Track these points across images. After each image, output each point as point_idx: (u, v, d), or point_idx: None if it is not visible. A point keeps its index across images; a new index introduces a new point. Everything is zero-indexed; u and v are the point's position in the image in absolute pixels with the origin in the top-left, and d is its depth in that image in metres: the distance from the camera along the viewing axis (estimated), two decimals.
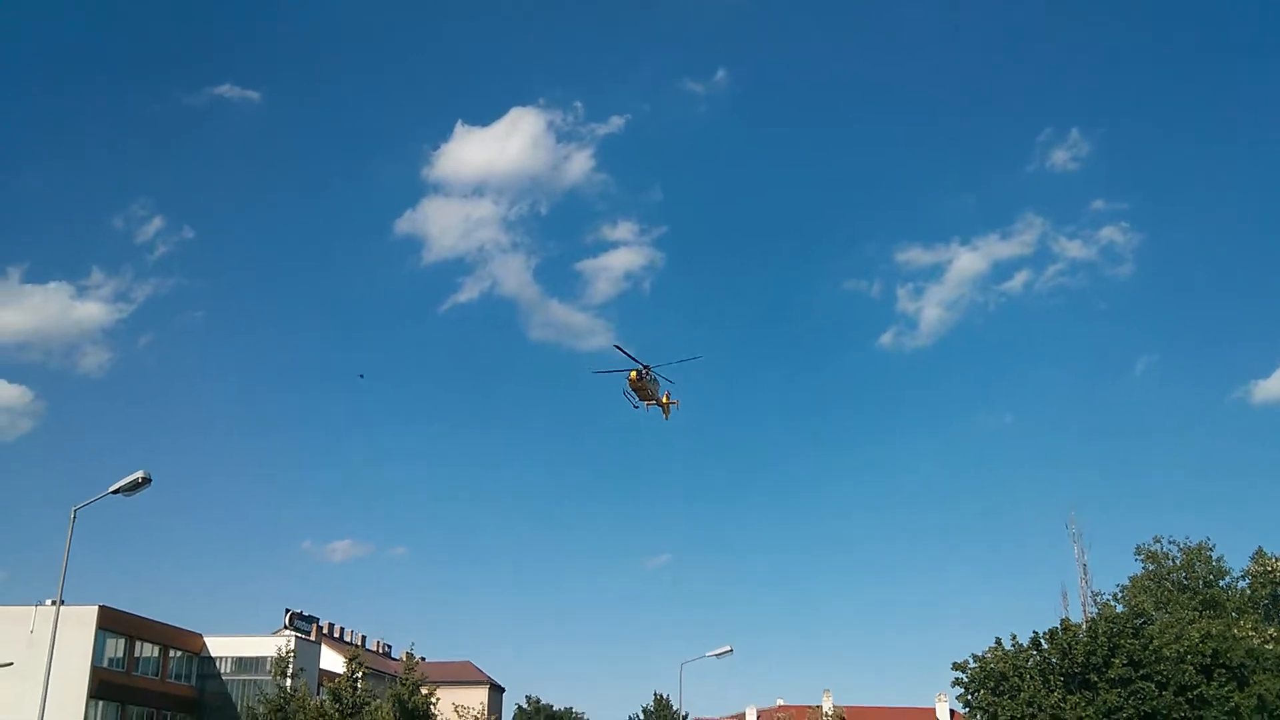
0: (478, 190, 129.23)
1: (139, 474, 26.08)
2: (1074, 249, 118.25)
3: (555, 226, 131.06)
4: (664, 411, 50.39)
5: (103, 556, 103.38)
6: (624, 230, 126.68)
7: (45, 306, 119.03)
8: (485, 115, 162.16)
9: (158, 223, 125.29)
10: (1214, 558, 53.07)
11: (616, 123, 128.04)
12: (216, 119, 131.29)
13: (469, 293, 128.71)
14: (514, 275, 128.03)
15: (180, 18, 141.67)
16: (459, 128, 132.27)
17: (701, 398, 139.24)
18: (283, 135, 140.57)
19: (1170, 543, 54.24)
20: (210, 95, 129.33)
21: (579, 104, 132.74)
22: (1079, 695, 43.25)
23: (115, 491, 26.16)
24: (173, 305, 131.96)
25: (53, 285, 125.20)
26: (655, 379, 48.39)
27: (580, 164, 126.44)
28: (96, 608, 54.28)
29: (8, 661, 45.81)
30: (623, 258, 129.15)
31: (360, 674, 50.65)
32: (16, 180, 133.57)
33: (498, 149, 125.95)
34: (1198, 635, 44.17)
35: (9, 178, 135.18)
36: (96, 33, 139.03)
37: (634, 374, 46.99)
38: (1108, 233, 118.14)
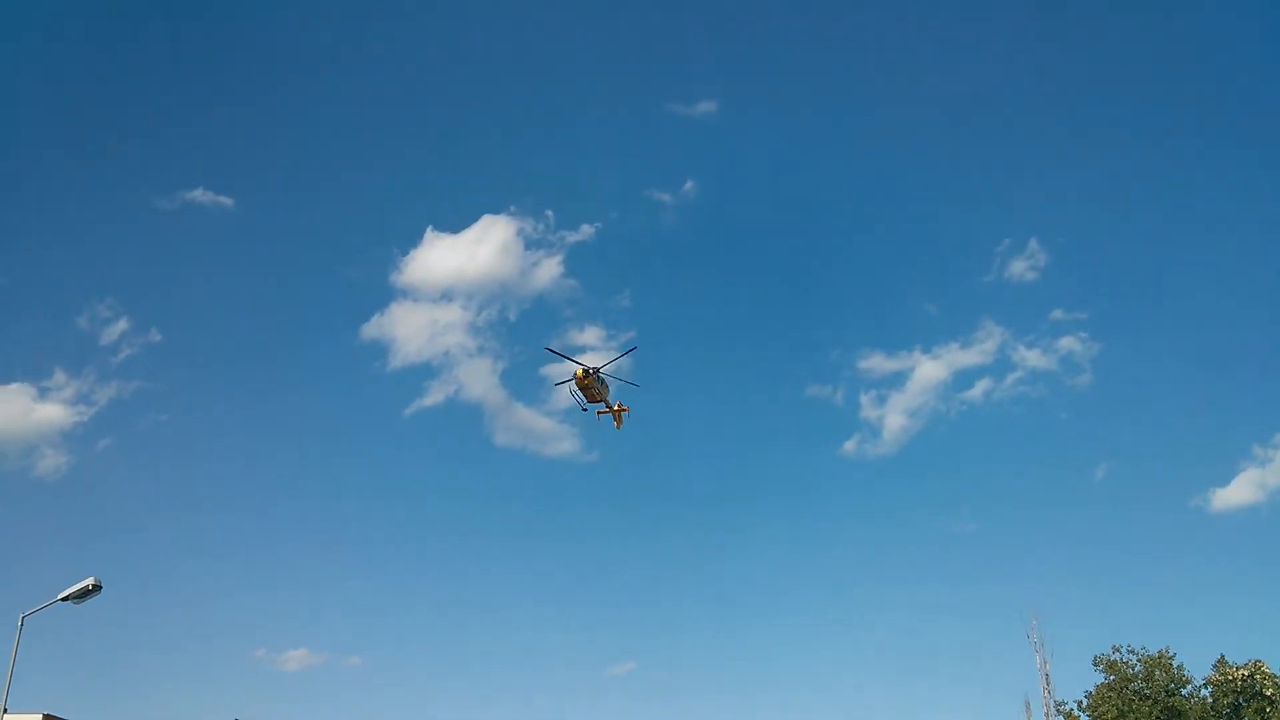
0: (446, 295, 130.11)
1: (89, 581, 25.81)
2: (1033, 358, 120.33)
3: (523, 331, 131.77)
4: (615, 420, 49.96)
5: (49, 663, 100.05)
6: (591, 335, 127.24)
7: (5, 408, 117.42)
8: (456, 222, 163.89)
9: (123, 324, 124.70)
10: (1174, 666, 53.17)
11: (586, 230, 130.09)
12: (188, 223, 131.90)
13: (434, 397, 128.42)
14: (480, 380, 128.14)
15: (156, 122, 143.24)
16: (429, 234, 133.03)
17: (661, 505, 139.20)
18: (254, 240, 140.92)
19: (1130, 652, 54.20)
20: (183, 200, 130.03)
21: (549, 212, 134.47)
22: None
23: (65, 599, 25.83)
24: (135, 408, 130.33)
25: (14, 386, 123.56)
26: (604, 381, 48.22)
27: (549, 270, 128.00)
28: (40, 716, 52.71)
29: None
30: (589, 362, 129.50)
31: None
32: None
33: (467, 255, 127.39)
34: None
35: None
36: (68, 133, 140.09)
37: (580, 371, 47.15)
38: (1066, 342, 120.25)
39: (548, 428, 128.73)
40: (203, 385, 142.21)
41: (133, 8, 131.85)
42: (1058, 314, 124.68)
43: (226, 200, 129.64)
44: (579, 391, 48.03)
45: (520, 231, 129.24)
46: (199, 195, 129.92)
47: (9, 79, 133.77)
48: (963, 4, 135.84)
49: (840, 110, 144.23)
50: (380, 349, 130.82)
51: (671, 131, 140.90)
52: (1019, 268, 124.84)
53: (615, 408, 50.08)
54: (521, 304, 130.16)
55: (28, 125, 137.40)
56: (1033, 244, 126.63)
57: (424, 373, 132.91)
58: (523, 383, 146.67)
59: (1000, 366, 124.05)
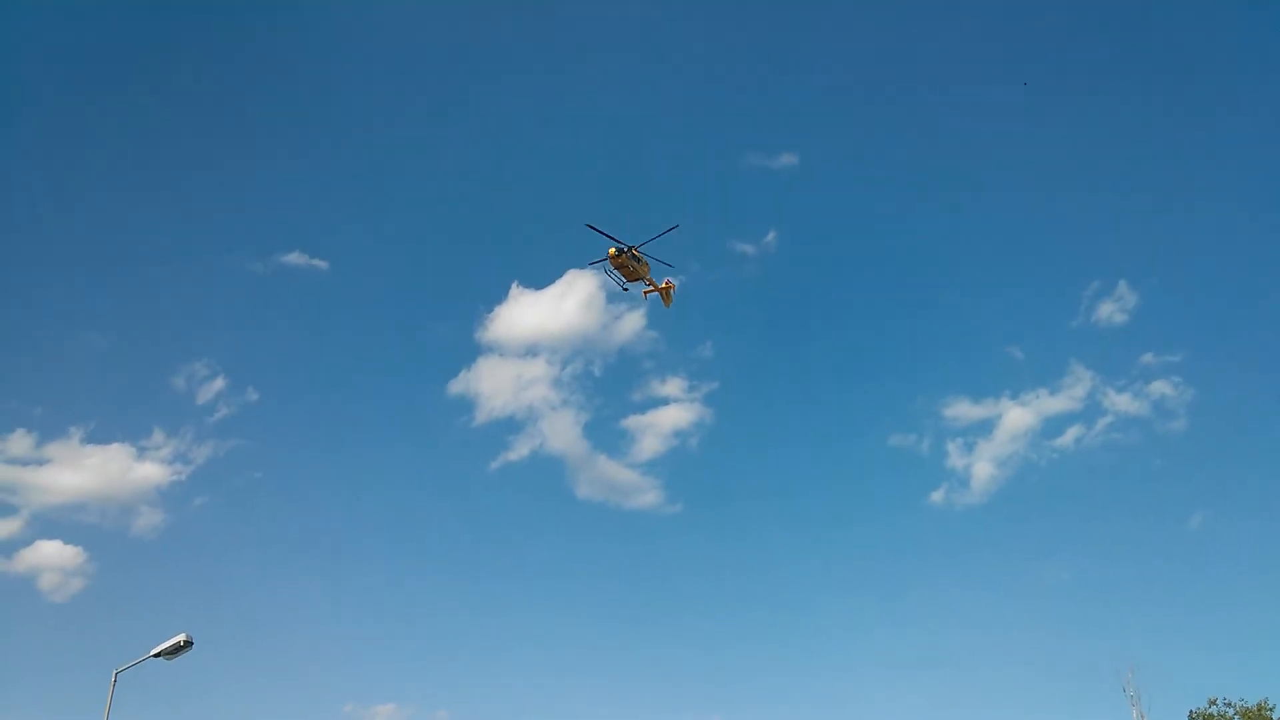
0: (531, 350, 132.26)
1: (181, 637, 26.82)
2: (1124, 403, 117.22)
3: (605, 384, 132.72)
4: (664, 298, 48.38)
5: (142, 718, 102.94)
6: (673, 387, 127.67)
7: (105, 467, 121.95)
8: (541, 278, 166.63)
9: (219, 384, 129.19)
10: (1275, 717, 51.09)
11: (669, 282, 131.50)
12: (283, 285, 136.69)
13: (519, 451, 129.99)
14: (563, 433, 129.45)
15: (251, 187, 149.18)
16: (514, 290, 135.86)
17: (745, 557, 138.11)
18: (346, 301, 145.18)
19: (1226, 704, 52.36)
20: (278, 263, 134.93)
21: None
22: None
23: (157, 655, 26.86)
24: (231, 466, 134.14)
25: (114, 446, 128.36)
26: (641, 259, 46.57)
27: (632, 323, 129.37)
28: None
29: None
30: (672, 414, 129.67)
31: None
32: (81, 339, 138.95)
33: (551, 310, 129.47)
34: None
35: (74, 337, 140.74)
36: (166, 199, 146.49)
37: (612, 250, 45.22)
38: (1159, 386, 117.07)
39: (630, 480, 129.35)
40: (296, 443, 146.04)
41: (225, 77, 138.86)
42: (1149, 357, 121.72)
43: (321, 263, 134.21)
44: (616, 271, 46.65)
45: (603, 285, 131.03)
46: (294, 258, 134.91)
47: (106, 145, 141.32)
48: (1038, 57, 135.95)
49: (919, 159, 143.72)
50: (466, 404, 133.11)
51: (753, 183, 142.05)
52: (1108, 310, 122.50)
53: (663, 285, 48.83)
54: (605, 357, 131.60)
55: (126, 191, 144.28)
56: (1122, 286, 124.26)
57: (509, 427, 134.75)
58: (605, 435, 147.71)
59: (1091, 412, 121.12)
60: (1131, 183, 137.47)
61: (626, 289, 47.92)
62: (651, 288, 48.50)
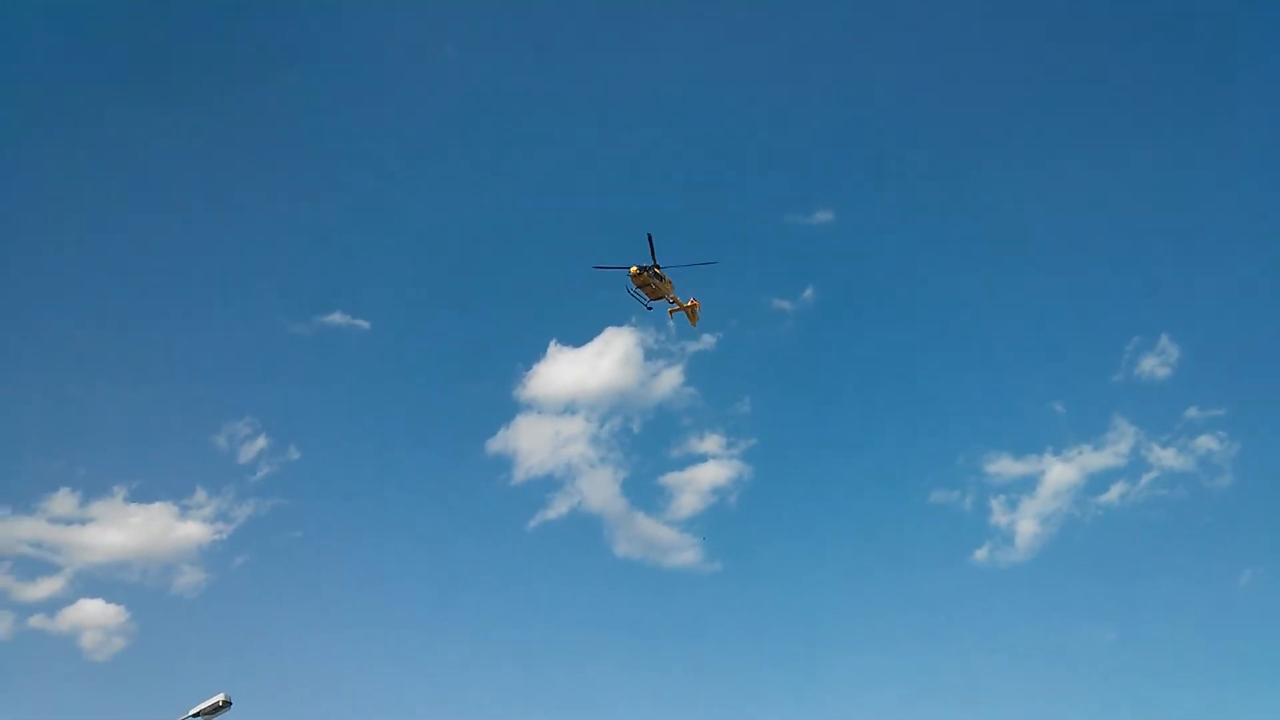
0: (569, 408, 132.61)
1: (220, 697, 26.53)
2: (1169, 458, 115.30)
3: (643, 441, 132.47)
4: (689, 316, 47.18)
5: None
6: (711, 443, 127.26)
7: (148, 526, 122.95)
8: (579, 336, 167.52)
9: (261, 443, 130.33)
10: None
11: (707, 340, 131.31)
12: (325, 345, 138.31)
13: (558, 509, 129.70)
14: (602, 490, 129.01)
15: (294, 250, 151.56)
16: (552, 347, 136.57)
17: (785, 616, 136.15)
18: (388, 361, 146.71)
19: None
20: (320, 323, 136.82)
21: (671, 323, 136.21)
22: None
23: (196, 715, 26.75)
24: (272, 525, 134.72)
25: (157, 505, 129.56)
26: (665, 277, 45.71)
27: (670, 380, 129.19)
28: None
29: None
30: (710, 471, 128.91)
31: None
32: (124, 399, 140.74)
33: (589, 368, 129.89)
34: None
35: (117, 397, 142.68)
36: (211, 260, 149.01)
37: (634, 268, 44.54)
38: (1204, 441, 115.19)
39: (669, 537, 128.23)
40: (337, 501, 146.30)
41: (267, 139, 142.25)
42: (1193, 411, 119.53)
43: (363, 323, 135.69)
44: (639, 290, 45.98)
45: (640, 342, 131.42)
46: (336, 319, 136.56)
47: (149, 203, 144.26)
48: (1077, 110, 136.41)
49: (956, 213, 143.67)
50: (505, 462, 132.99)
51: (790, 240, 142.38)
52: (1150, 364, 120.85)
53: (688, 304, 48.02)
54: (644, 414, 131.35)
55: (169, 251, 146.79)
56: (1164, 340, 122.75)
57: (547, 484, 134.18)
58: (643, 492, 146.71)
59: (1135, 468, 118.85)
60: (1172, 235, 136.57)
61: (650, 308, 47.61)
62: (676, 306, 48.09)
